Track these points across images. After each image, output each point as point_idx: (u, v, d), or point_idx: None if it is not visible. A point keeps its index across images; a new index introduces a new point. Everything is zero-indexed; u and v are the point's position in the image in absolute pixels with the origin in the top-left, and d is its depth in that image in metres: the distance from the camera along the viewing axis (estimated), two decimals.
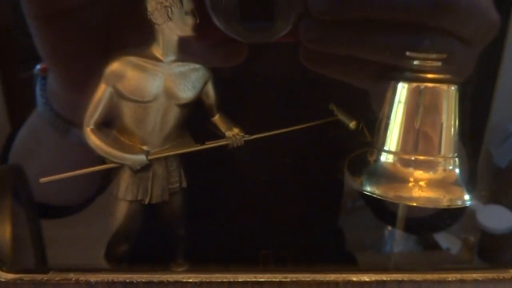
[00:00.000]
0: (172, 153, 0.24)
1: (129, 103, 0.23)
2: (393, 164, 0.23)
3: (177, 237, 0.27)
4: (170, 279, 0.23)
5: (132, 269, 0.24)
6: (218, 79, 0.25)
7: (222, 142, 0.25)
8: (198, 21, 0.23)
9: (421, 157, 0.22)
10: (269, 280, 0.23)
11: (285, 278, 0.23)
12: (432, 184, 0.22)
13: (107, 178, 0.26)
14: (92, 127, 0.23)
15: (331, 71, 0.25)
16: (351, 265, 0.38)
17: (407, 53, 0.22)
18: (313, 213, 0.36)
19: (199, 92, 0.24)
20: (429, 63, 0.22)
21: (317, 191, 0.36)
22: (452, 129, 0.23)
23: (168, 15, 0.22)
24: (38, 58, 0.25)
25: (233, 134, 0.25)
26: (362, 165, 0.24)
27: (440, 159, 0.22)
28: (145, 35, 0.23)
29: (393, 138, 0.23)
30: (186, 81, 0.24)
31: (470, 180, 0.23)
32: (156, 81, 0.23)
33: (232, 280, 0.23)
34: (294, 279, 0.23)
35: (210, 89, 0.25)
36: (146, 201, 0.24)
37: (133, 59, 0.22)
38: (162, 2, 0.22)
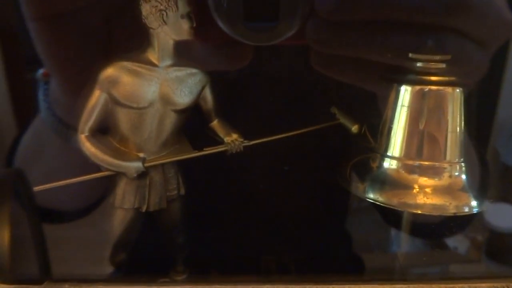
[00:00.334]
0: (169, 160, 0.24)
1: (124, 109, 0.22)
2: (397, 170, 0.22)
3: (176, 245, 0.26)
4: None
5: (129, 279, 0.23)
6: (216, 83, 0.24)
7: (220, 148, 0.24)
8: (195, 25, 0.22)
9: (426, 163, 0.22)
10: None
11: None
12: (438, 190, 0.21)
13: (113, 182, 0.25)
14: (87, 134, 0.22)
15: (339, 73, 0.24)
16: (357, 272, 0.38)
17: (410, 55, 0.22)
18: (315, 217, 0.36)
19: (196, 97, 0.24)
20: (433, 65, 0.22)
21: (318, 195, 0.35)
22: (458, 134, 0.22)
23: (163, 19, 0.21)
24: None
25: (232, 140, 0.24)
26: (365, 171, 0.24)
27: (446, 165, 0.22)
28: (146, 38, 0.22)
29: (396, 143, 0.22)
30: (183, 86, 0.23)
31: (481, 185, 0.23)
32: (152, 86, 0.22)
33: None
34: None
35: (208, 94, 0.24)
36: (144, 209, 0.24)
37: (127, 64, 0.22)
38: (156, 6, 0.21)
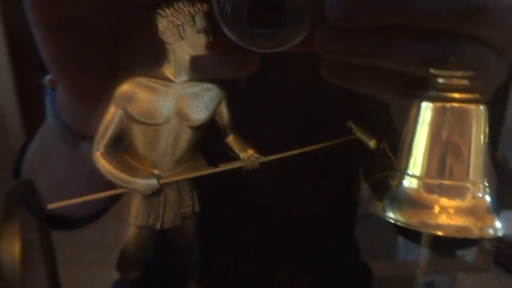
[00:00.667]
0: (184, 177, 0.23)
1: (139, 125, 0.22)
2: (417, 189, 0.22)
3: (190, 262, 0.26)
4: None
5: None
6: (232, 98, 0.24)
7: (236, 165, 0.24)
8: (211, 39, 0.22)
9: (448, 182, 0.21)
10: None
11: None
12: (461, 211, 0.21)
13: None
14: (102, 151, 0.22)
15: (352, 83, 0.23)
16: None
17: (431, 70, 0.21)
18: (328, 233, 0.35)
19: (212, 112, 0.23)
20: (455, 81, 0.21)
21: (332, 210, 0.34)
22: (482, 152, 0.21)
23: (179, 34, 0.21)
24: None
25: (247, 156, 0.24)
26: (383, 189, 0.23)
27: (469, 185, 0.21)
28: (155, 48, 0.22)
29: (417, 161, 0.22)
30: (199, 101, 0.23)
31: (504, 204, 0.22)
32: (168, 102, 0.22)
33: None
34: None
35: (223, 109, 0.24)
36: (158, 227, 0.23)
37: (143, 80, 0.21)
38: (173, 21, 0.21)
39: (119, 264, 0.26)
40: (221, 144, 0.25)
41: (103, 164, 0.21)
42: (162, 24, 0.21)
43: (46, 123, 0.30)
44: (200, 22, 0.21)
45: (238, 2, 0.20)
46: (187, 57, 0.22)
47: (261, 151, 0.24)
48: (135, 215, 0.23)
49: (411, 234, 0.36)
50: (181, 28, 0.21)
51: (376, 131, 0.26)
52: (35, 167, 0.37)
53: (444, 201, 0.21)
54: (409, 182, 0.22)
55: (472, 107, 0.21)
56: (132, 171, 0.22)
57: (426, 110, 0.22)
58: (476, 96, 0.21)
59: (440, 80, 0.21)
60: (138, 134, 0.22)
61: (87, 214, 0.39)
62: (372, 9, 0.19)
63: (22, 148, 0.40)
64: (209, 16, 0.21)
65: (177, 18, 0.21)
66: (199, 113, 0.23)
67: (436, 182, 0.21)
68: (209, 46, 0.22)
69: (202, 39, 0.21)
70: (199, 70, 0.22)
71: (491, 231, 0.21)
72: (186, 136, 0.23)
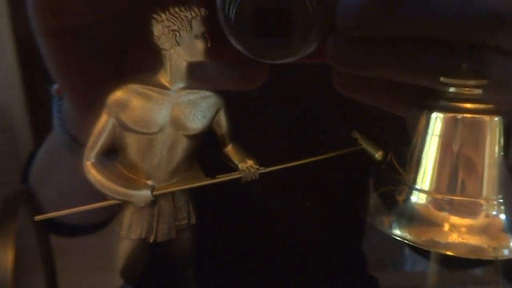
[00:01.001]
0: (180, 188, 0.22)
1: (133, 134, 0.21)
2: (426, 205, 0.20)
3: (185, 278, 0.25)
4: None
5: None
6: (231, 106, 0.23)
7: (234, 176, 0.22)
8: (209, 45, 0.21)
9: (459, 199, 0.20)
10: None
11: None
12: (473, 230, 0.19)
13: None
14: (92, 161, 0.21)
15: (363, 96, 0.22)
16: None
17: (441, 79, 0.20)
18: (334, 243, 0.34)
19: (210, 121, 0.22)
20: (468, 91, 0.20)
21: (338, 222, 0.33)
22: (496, 167, 0.20)
23: (176, 40, 0.20)
24: None
25: (247, 167, 0.23)
26: (390, 204, 0.22)
27: (482, 201, 0.20)
28: (158, 59, 0.21)
29: (426, 175, 0.21)
30: (196, 110, 0.22)
31: None
32: (163, 110, 0.21)
33: None
34: None
35: (222, 118, 0.23)
36: (151, 240, 0.22)
37: (137, 87, 0.20)
38: (169, 26, 0.20)
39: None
40: (219, 154, 0.24)
41: (94, 174, 0.21)
42: (158, 29, 0.20)
43: (52, 133, 0.30)
44: (197, 27, 0.20)
45: (241, 9, 0.18)
46: (183, 64, 0.21)
47: (261, 161, 0.23)
48: (127, 228, 0.22)
49: (418, 248, 0.34)
50: (177, 34, 0.20)
51: (383, 142, 0.25)
52: (42, 175, 0.37)
53: (455, 219, 0.20)
54: (417, 198, 0.21)
55: (486, 118, 0.20)
56: (125, 182, 0.21)
57: (436, 121, 0.20)
58: (490, 106, 0.20)
59: (451, 89, 0.20)
60: (131, 144, 0.21)
61: (97, 221, 0.38)
62: (387, 19, 0.18)
63: (30, 155, 0.40)
64: (210, 22, 0.20)
65: (173, 23, 0.20)
66: (196, 122, 0.22)
67: (447, 198, 0.20)
68: (214, 54, 0.21)
69: (199, 45, 0.20)
70: (203, 80, 0.21)
71: (506, 252, 0.19)
72: (182, 145, 0.22)
